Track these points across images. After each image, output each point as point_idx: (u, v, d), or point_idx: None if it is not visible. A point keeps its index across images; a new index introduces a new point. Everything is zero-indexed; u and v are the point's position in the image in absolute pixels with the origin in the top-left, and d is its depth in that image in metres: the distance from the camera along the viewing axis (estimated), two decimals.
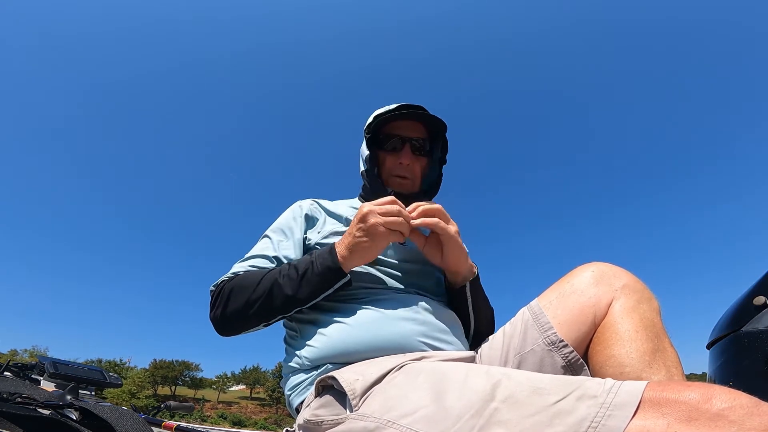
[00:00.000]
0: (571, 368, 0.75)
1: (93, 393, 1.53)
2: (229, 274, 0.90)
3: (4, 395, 0.74)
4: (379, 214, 0.81)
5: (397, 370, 0.66)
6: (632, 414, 0.42)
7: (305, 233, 0.98)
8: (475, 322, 0.94)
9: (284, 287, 0.80)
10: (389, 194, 0.96)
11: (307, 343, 0.82)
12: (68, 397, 0.83)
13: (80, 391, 1.39)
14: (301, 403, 0.78)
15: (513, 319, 0.87)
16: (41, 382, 1.43)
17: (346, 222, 0.99)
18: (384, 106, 1.06)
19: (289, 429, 0.79)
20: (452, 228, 0.86)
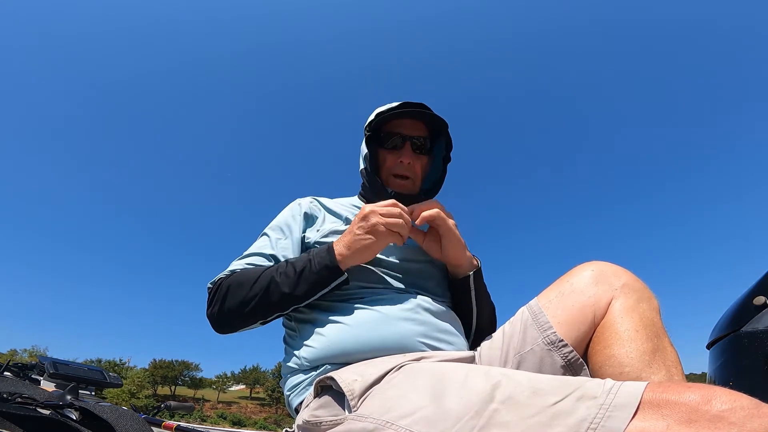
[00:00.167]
0: (570, 368, 0.75)
1: (93, 393, 1.53)
2: (226, 272, 0.90)
3: (4, 395, 0.74)
4: (381, 215, 0.82)
5: (396, 371, 0.66)
6: (632, 415, 0.42)
7: (304, 232, 0.98)
8: (477, 315, 0.94)
9: (281, 284, 0.80)
10: (389, 195, 0.97)
11: (306, 343, 0.82)
12: (68, 397, 0.83)
13: (80, 391, 1.39)
14: (301, 403, 0.78)
15: (512, 318, 0.87)
16: (41, 382, 1.43)
17: (346, 221, 0.99)
18: (384, 104, 1.06)
19: (288, 429, 0.79)
20: (450, 221, 0.88)
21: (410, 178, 1.01)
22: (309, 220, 1.00)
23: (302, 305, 0.83)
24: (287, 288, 0.80)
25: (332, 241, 0.86)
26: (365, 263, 0.88)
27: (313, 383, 0.73)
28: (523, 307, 0.85)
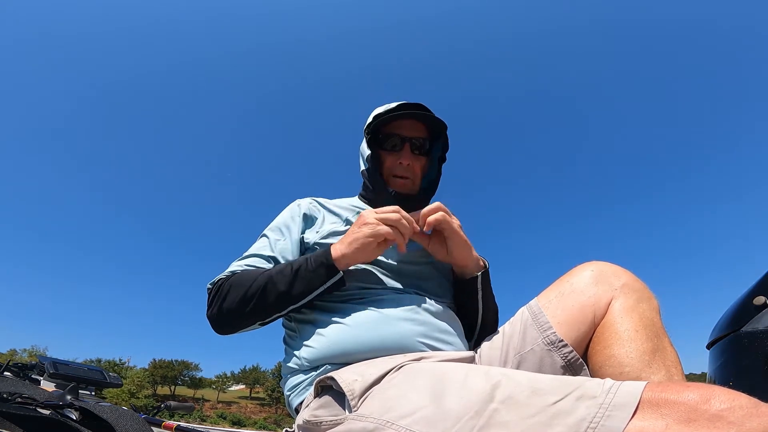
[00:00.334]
0: (570, 368, 0.75)
1: (93, 393, 1.53)
2: (226, 273, 0.90)
3: (4, 395, 0.74)
4: (379, 219, 0.82)
5: (396, 371, 0.66)
6: (631, 415, 0.42)
7: (303, 232, 0.98)
8: (483, 316, 0.94)
9: (278, 283, 0.80)
10: (390, 194, 0.98)
11: (306, 343, 0.82)
12: (68, 397, 0.83)
13: (80, 391, 1.39)
14: (301, 403, 0.78)
15: (512, 318, 0.87)
16: (41, 382, 1.43)
17: (346, 221, 0.99)
18: (384, 104, 1.06)
19: (288, 429, 0.79)
20: (455, 222, 0.87)
21: (410, 178, 1.01)
22: (308, 221, 1.00)
23: (299, 305, 0.82)
24: (283, 286, 0.80)
25: (331, 243, 0.86)
26: (365, 264, 0.88)
27: (314, 383, 0.73)
28: (522, 308, 0.86)
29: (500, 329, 0.88)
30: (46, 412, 0.72)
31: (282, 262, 0.92)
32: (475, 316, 0.94)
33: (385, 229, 0.80)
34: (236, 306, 0.82)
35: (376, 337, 0.78)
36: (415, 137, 1.00)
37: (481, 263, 0.94)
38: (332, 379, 0.68)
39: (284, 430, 0.81)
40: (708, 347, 0.97)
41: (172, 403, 2.03)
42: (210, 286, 0.89)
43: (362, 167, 1.05)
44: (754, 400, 0.39)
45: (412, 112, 0.98)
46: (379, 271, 0.90)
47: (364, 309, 0.83)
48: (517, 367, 0.78)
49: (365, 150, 1.02)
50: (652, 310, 0.72)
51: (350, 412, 0.62)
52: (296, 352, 0.83)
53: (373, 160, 1.01)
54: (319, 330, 0.82)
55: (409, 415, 0.55)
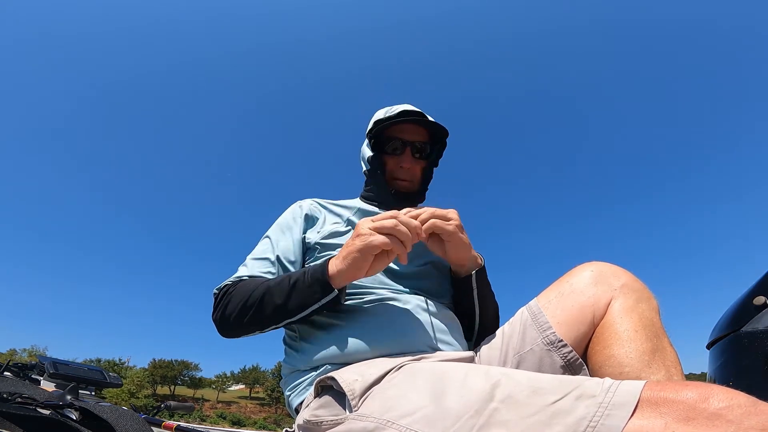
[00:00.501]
0: (570, 368, 0.75)
1: (93, 393, 1.53)
2: (232, 279, 0.90)
3: (4, 395, 0.74)
4: (373, 228, 0.75)
5: (396, 371, 0.66)
6: (630, 413, 0.42)
7: (305, 233, 0.98)
8: (480, 314, 0.93)
9: (275, 296, 0.78)
10: (392, 194, 1.00)
11: (307, 343, 0.82)
12: (68, 397, 0.83)
13: (80, 391, 1.39)
14: (301, 403, 0.78)
15: (512, 319, 0.87)
16: (41, 382, 1.43)
17: (347, 222, 0.99)
18: (385, 105, 1.08)
19: (288, 429, 0.79)
20: (449, 227, 0.82)
21: (410, 181, 1.03)
22: (310, 221, 1.01)
23: (295, 320, 0.79)
24: (280, 299, 0.78)
25: (332, 249, 0.87)
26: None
27: (314, 383, 0.73)
28: (522, 308, 0.86)
29: (500, 329, 0.88)
30: (46, 412, 0.72)
31: (285, 263, 0.92)
32: (473, 315, 0.93)
33: (379, 239, 0.73)
34: (236, 315, 0.82)
35: (376, 337, 0.78)
36: (417, 141, 1.02)
37: (479, 261, 0.93)
38: (332, 379, 0.68)
39: (284, 430, 0.80)
40: (708, 347, 0.97)
41: (172, 403, 2.03)
42: (216, 291, 0.89)
43: (364, 168, 1.07)
44: (752, 399, 0.40)
45: (416, 119, 0.99)
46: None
47: (364, 309, 0.83)
48: (517, 367, 0.78)
49: (367, 152, 1.03)
50: (652, 310, 0.72)
51: (351, 411, 0.62)
52: (296, 353, 0.83)
53: (375, 162, 1.02)
54: (319, 330, 0.83)
55: (409, 414, 0.55)
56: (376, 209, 1.03)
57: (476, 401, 0.51)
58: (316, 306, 0.77)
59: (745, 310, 0.86)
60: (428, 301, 0.87)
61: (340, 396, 0.67)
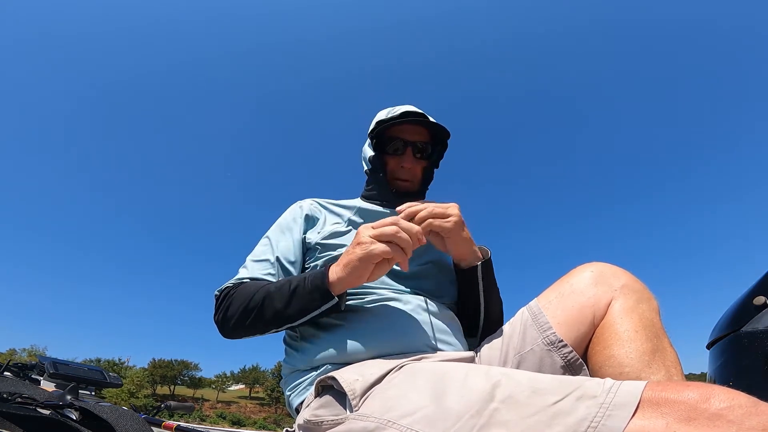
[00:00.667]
0: (570, 368, 0.75)
1: (93, 393, 1.53)
2: (233, 281, 0.90)
3: (4, 395, 0.74)
4: (373, 236, 0.75)
5: (396, 371, 0.66)
6: (632, 414, 0.42)
7: (305, 233, 0.98)
8: (486, 309, 0.91)
9: (275, 301, 0.78)
10: (393, 194, 1.01)
11: (307, 343, 0.82)
12: (68, 397, 0.83)
13: (80, 391, 1.39)
14: (301, 403, 0.78)
15: (512, 319, 0.87)
16: (41, 382, 1.43)
17: (348, 222, 0.99)
18: (386, 106, 1.08)
19: (288, 429, 0.79)
20: (448, 224, 0.83)
21: (411, 181, 1.04)
22: (310, 221, 1.01)
23: (295, 325, 0.80)
24: (280, 304, 0.78)
25: (332, 249, 0.87)
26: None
27: (314, 383, 0.73)
28: (522, 308, 0.86)
29: (500, 330, 0.88)
30: (46, 412, 0.72)
31: (285, 264, 0.92)
32: (478, 309, 0.91)
33: (380, 248, 0.72)
34: (237, 318, 0.82)
35: (376, 337, 0.78)
36: (418, 141, 1.02)
37: (480, 255, 0.91)
38: (333, 378, 0.68)
39: (284, 430, 0.80)
40: (708, 347, 0.97)
41: (172, 403, 2.03)
42: (217, 294, 0.89)
43: (365, 168, 1.07)
44: (753, 399, 0.40)
45: (418, 119, 0.99)
46: None
47: (364, 309, 0.83)
48: (517, 367, 0.78)
49: (368, 152, 1.04)
50: (652, 310, 0.72)
51: (351, 411, 0.62)
52: (297, 352, 0.83)
53: (377, 162, 1.03)
54: (319, 330, 0.83)
55: (409, 414, 0.55)
56: (377, 207, 1.03)
57: (477, 401, 0.51)
58: (316, 312, 0.77)
59: (745, 310, 0.86)
60: (429, 301, 0.87)
61: (340, 396, 0.67)
